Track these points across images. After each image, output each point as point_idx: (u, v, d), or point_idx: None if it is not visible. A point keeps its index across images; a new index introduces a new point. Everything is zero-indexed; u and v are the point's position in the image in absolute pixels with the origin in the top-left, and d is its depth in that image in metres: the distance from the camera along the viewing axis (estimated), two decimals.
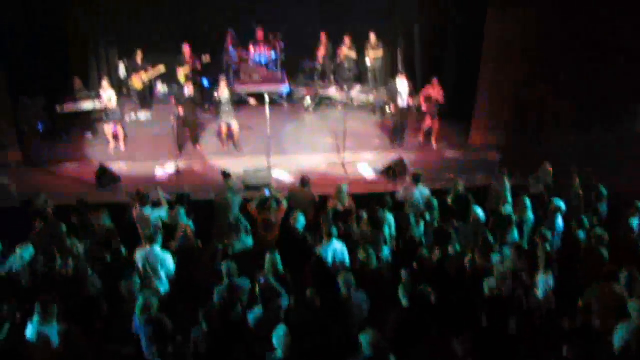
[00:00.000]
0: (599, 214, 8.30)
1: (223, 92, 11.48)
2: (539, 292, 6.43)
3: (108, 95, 11.44)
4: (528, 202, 8.16)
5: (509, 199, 8.86)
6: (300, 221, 7.73)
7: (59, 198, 9.09)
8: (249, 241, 7.62)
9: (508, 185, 9.04)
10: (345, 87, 14.55)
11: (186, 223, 7.88)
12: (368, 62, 14.42)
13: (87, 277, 6.54)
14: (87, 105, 11.95)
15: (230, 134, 11.77)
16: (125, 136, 11.88)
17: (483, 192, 9.43)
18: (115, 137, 11.74)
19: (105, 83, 11.55)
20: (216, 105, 11.73)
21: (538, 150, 10.44)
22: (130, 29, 14.34)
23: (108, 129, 11.62)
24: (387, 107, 13.19)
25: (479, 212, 7.91)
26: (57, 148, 11.86)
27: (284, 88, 14.38)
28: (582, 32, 10.30)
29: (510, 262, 6.67)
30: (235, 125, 11.63)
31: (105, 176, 10.32)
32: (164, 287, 6.81)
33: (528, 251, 7.04)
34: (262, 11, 14.62)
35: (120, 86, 14.49)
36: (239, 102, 13.23)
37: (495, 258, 6.84)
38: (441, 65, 13.16)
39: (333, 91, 14.62)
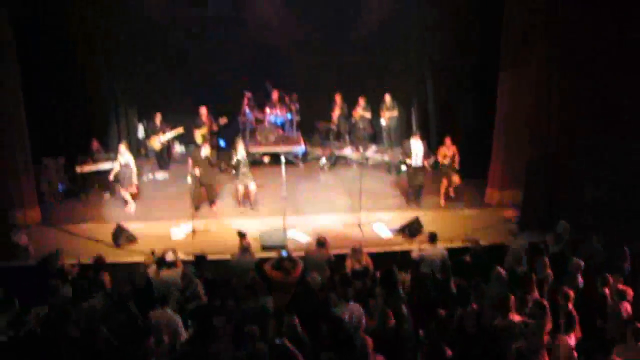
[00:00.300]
0: (623, 272, 8.15)
1: (240, 153, 11.64)
2: (562, 352, 6.27)
3: (125, 159, 11.60)
4: (547, 260, 8.04)
5: (527, 257, 8.72)
6: (317, 282, 7.70)
7: (76, 257, 9.10)
8: (264, 302, 7.52)
9: (526, 243, 8.96)
10: (360, 147, 14.71)
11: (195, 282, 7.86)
12: (383, 122, 14.62)
13: (101, 338, 6.49)
14: (105, 166, 12.14)
15: (247, 194, 11.85)
16: (137, 195, 12.03)
17: (501, 250, 9.31)
18: (132, 198, 11.86)
19: (122, 147, 11.69)
20: (234, 166, 11.85)
21: (555, 207, 10.37)
22: (149, 91, 14.78)
23: (124, 191, 11.74)
24: (402, 166, 13.26)
25: (502, 271, 7.79)
26: (76, 208, 12.03)
27: (300, 148, 14.56)
28: (595, 90, 10.41)
29: (533, 321, 6.54)
30: (252, 186, 11.72)
31: (121, 236, 10.36)
32: (177, 349, 6.72)
33: (549, 310, 6.90)
34: (278, 74, 15.00)
35: (138, 147, 14.83)
36: (253, 162, 13.37)
37: (517, 318, 6.72)
38: (455, 124, 13.31)
39: (348, 151, 14.77)
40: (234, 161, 11.70)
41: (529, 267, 8.34)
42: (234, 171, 11.85)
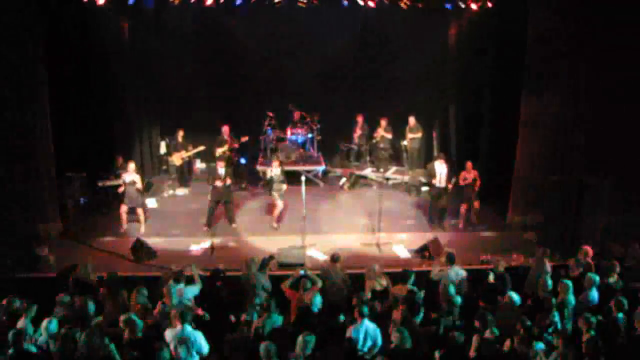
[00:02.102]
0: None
1: (275, 171, 11.64)
2: None
3: (131, 178, 11.30)
4: (570, 284, 7.85)
5: (549, 280, 8.49)
6: (316, 302, 7.58)
7: (96, 271, 9.06)
8: (279, 320, 7.42)
9: (548, 266, 8.78)
10: (381, 167, 14.68)
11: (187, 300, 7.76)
12: (406, 143, 14.56)
13: (107, 354, 6.45)
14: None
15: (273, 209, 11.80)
16: (147, 218, 11.77)
17: (521, 273, 9.15)
18: (137, 219, 11.59)
19: (131, 165, 11.44)
20: (267, 183, 11.74)
21: (577, 230, 10.18)
22: (172, 109, 15.04)
23: (124, 209, 11.44)
24: (422, 187, 13.14)
25: (514, 296, 7.65)
26: (97, 222, 12.10)
27: (320, 168, 14.57)
28: (618, 114, 10.31)
29: (557, 353, 6.38)
30: (281, 204, 11.64)
31: (141, 250, 10.35)
32: None
33: (572, 337, 6.74)
34: (301, 94, 15.13)
35: (160, 163, 15.03)
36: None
37: (539, 346, 6.54)
38: (477, 145, 13.26)
39: (368, 171, 14.75)
40: (267, 178, 11.63)
41: (550, 290, 8.13)
42: (267, 188, 11.74)
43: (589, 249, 8.89)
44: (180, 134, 13.86)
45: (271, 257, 9.17)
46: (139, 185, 11.40)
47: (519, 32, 11.28)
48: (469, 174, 11.64)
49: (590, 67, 10.49)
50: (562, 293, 7.80)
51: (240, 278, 8.60)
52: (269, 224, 11.88)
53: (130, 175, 11.35)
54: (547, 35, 10.88)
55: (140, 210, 11.57)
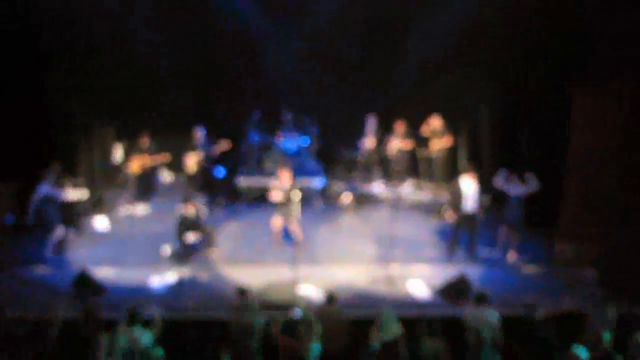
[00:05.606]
0: None
1: (281, 184, 11.80)
2: None
3: (73, 195, 11.43)
4: None
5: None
6: (315, 351, 7.84)
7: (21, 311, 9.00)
8: None
9: (612, 314, 8.51)
10: (394, 182, 14.59)
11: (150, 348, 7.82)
12: (431, 153, 14.47)
13: None
14: (71, 195, 11.83)
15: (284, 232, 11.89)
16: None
17: (576, 322, 8.85)
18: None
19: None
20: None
21: None
22: (132, 107, 14.81)
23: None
24: (447, 209, 12.86)
25: (581, 351, 7.42)
26: (28, 246, 11.78)
27: (318, 182, 14.45)
28: None
29: None
30: (293, 222, 11.74)
31: (86, 285, 10.10)
32: None
33: None
34: (295, 89, 15.27)
35: (114, 172, 14.90)
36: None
37: None
38: (516, 155, 13.19)
39: (378, 187, 14.65)
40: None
41: (616, 346, 7.86)
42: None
43: None
44: (143, 138, 13.76)
45: (240, 290, 9.02)
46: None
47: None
48: None
49: None
50: (633, 350, 7.61)
51: (233, 321, 8.55)
52: (253, 249, 11.95)
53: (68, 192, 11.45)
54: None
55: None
